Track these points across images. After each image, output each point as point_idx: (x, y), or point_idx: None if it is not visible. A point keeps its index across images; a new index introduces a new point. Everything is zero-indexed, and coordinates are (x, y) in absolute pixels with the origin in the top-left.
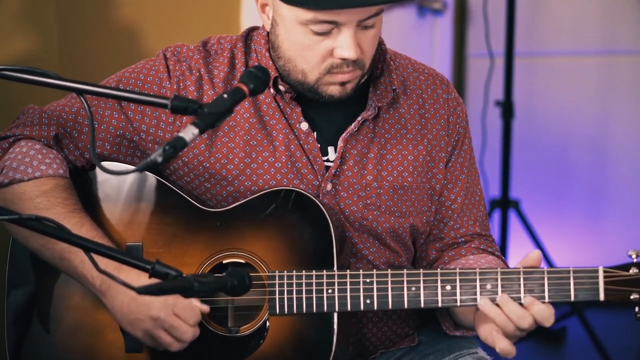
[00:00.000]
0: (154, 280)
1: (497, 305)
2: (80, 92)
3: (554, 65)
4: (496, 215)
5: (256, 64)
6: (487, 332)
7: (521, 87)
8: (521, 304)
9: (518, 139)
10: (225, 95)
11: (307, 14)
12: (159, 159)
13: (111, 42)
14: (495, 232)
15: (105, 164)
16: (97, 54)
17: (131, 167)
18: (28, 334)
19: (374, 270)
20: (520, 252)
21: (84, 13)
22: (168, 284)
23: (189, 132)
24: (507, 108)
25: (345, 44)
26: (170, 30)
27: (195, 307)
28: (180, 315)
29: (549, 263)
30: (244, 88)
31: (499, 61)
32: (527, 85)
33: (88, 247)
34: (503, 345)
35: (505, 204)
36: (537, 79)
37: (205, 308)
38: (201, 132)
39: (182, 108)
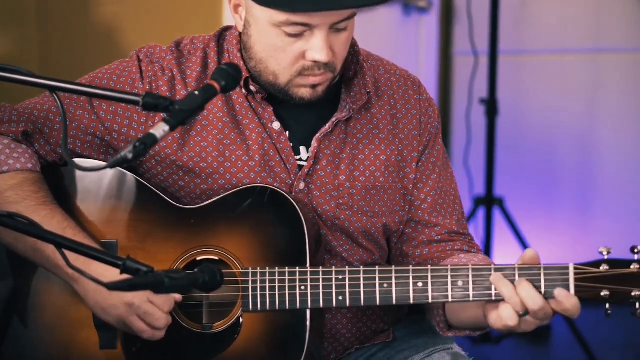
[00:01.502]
0: (125, 276)
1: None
2: (52, 89)
3: (540, 63)
4: (481, 213)
5: None
6: (497, 316)
7: (507, 85)
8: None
9: (503, 136)
10: (196, 92)
11: (280, 16)
12: (130, 156)
13: (91, 41)
14: (479, 230)
15: (77, 160)
16: (77, 53)
17: (102, 164)
18: (7, 328)
19: (347, 267)
20: (505, 249)
21: (64, 12)
22: (139, 279)
23: (160, 129)
24: (491, 106)
25: (317, 47)
26: (151, 30)
27: (170, 295)
28: (155, 302)
29: None
30: (216, 85)
31: (485, 59)
32: (513, 83)
33: (60, 242)
34: (505, 310)
35: (489, 201)
36: (523, 77)
37: (179, 297)
38: (172, 128)
39: (153, 105)
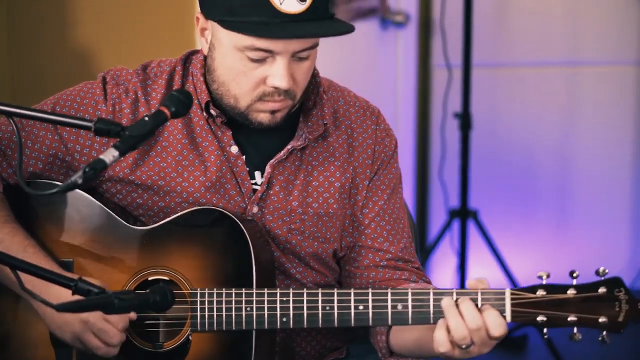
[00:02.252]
0: (76, 297)
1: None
2: (9, 114)
3: (518, 76)
4: (455, 225)
5: (191, 87)
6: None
7: (484, 98)
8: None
9: (479, 150)
10: (146, 118)
11: (244, 40)
12: (79, 181)
13: (65, 61)
14: (455, 242)
15: (39, 182)
16: (50, 74)
17: (54, 188)
18: None
19: (291, 289)
20: (480, 262)
21: (36, 32)
22: (87, 301)
23: (110, 154)
24: (464, 120)
25: (278, 73)
26: (126, 50)
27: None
28: (110, 320)
29: (509, 275)
30: (166, 111)
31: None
32: (490, 96)
33: (14, 264)
34: (438, 333)
35: (464, 214)
36: (500, 90)
37: (133, 315)
38: (122, 154)
39: (105, 130)
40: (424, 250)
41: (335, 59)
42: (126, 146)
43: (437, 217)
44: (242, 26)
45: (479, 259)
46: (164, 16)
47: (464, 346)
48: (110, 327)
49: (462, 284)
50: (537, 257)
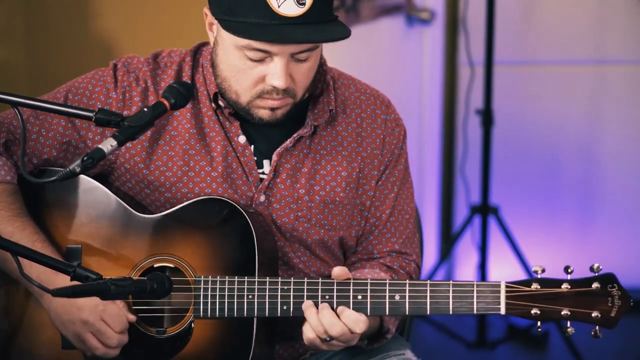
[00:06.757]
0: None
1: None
2: (14, 104)
3: (543, 74)
4: (476, 221)
5: (201, 78)
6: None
7: (508, 96)
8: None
9: (503, 147)
10: (145, 109)
11: (242, 40)
12: (77, 169)
13: (85, 55)
14: (476, 237)
15: (50, 169)
16: (69, 67)
17: (55, 175)
18: None
19: (292, 278)
20: (500, 258)
21: (53, 25)
22: (83, 286)
23: (108, 144)
24: (486, 116)
25: (275, 73)
26: (147, 43)
27: (123, 315)
28: (107, 321)
29: (530, 272)
30: (165, 102)
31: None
32: (514, 94)
33: (15, 250)
34: (308, 333)
35: (485, 210)
36: (526, 88)
37: (132, 317)
38: (120, 144)
39: (105, 121)
40: (447, 244)
41: (361, 55)
42: (125, 136)
43: (461, 212)
44: (238, 27)
45: (500, 256)
46: (185, 8)
47: (326, 338)
48: (108, 329)
49: (482, 280)
50: (559, 254)
